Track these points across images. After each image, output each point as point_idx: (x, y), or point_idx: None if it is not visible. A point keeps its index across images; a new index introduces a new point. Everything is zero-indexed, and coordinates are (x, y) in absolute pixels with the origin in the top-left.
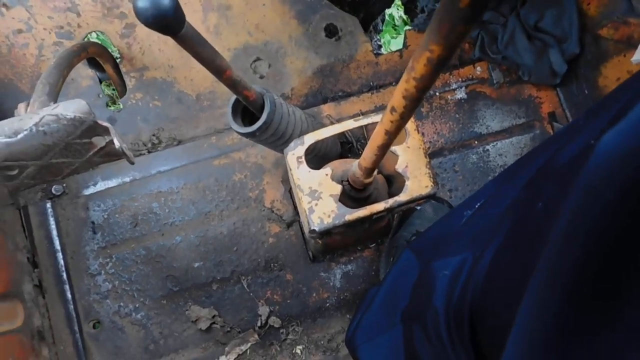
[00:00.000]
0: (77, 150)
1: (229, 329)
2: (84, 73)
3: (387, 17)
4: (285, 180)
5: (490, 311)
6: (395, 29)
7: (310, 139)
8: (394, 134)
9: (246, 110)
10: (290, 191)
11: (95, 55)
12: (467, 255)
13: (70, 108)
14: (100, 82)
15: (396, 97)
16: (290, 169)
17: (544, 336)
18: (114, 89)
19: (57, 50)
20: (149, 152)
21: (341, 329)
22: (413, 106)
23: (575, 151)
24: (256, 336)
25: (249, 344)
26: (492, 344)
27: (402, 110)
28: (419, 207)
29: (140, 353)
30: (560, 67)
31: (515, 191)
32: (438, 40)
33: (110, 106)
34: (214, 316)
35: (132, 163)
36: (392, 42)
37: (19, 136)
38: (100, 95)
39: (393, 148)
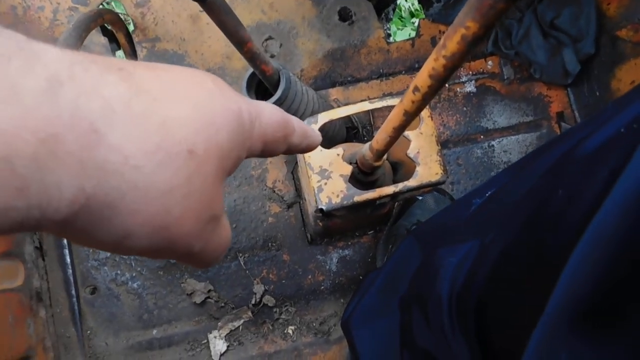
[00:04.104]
0: None
1: (223, 305)
2: (96, 40)
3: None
4: (289, 161)
5: (502, 298)
6: (401, 21)
7: (324, 117)
8: (413, 115)
9: (259, 87)
10: (292, 172)
11: (110, 23)
12: (475, 242)
13: None
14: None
15: (421, 76)
16: None
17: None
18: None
19: (71, 15)
20: None
21: (334, 313)
22: (438, 86)
23: (603, 140)
24: (249, 313)
25: (242, 321)
26: (502, 330)
27: (425, 90)
28: (420, 198)
29: (134, 322)
30: (574, 67)
31: (533, 180)
32: (476, 17)
33: None
34: (209, 290)
35: None
36: (397, 34)
37: None
38: None
39: (406, 133)
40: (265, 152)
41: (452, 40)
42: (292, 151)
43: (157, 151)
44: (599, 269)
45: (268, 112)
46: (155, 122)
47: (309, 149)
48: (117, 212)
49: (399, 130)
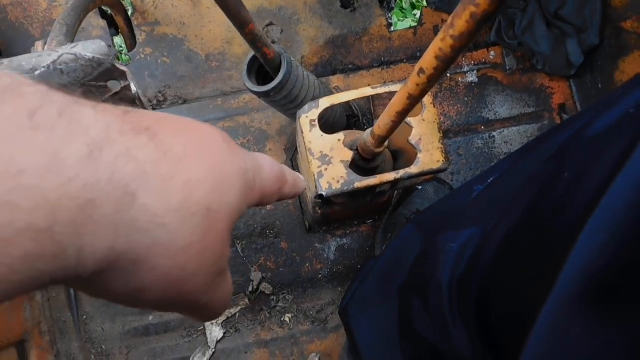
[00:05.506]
0: (92, 92)
1: None
2: (95, 23)
3: None
4: (289, 148)
5: (505, 283)
6: (402, 12)
7: (325, 102)
8: (417, 99)
9: (260, 71)
10: (292, 160)
11: (109, 6)
12: (476, 229)
13: (89, 48)
14: (117, 33)
15: (427, 57)
16: (302, 132)
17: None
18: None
19: None
20: (153, 109)
21: (331, 301)
22: (444, 68)
23: (609, 122)
24: (247, 301)
25: (239, 308)
26: (506, 316)
27: (431, 73)
28: (420, 187)
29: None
30: (577, 58)
31: (537, 164)
32: None
33: (118, 59)
34: None
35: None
36: (398, 24)
37: (36, 73)
38: (110, 47)
39: (408, 119)
40: (261, 203)
41: (460, 18)
42: (280, 199)
43: (180, 209)
44: (613, 242)
45: (267, 167)
46: (180, 182)
47: (295, 197)
48: (138, 268)
49: (402, 114)
